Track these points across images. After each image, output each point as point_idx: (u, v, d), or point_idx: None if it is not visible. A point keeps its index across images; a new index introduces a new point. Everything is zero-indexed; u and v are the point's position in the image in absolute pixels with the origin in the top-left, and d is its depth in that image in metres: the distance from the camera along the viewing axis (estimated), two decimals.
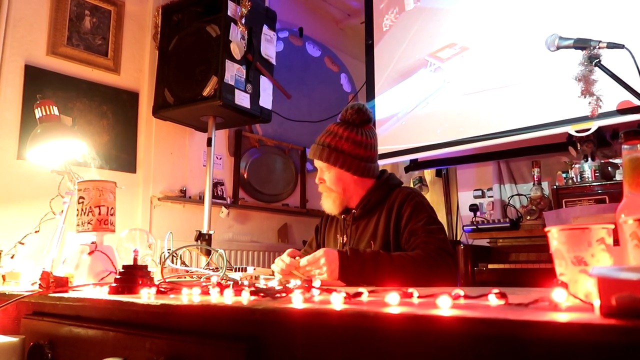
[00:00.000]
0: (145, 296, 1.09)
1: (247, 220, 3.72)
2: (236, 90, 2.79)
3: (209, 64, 2.77)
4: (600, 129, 2.49)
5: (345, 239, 1.80)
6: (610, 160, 2.57)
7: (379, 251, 1.54)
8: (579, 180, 2.62)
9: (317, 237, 1.99)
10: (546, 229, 0.75)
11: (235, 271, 1.64)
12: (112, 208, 1.57)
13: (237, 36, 2.81)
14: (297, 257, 1.57)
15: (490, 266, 2.75)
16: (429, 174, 3.90)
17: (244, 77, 2.85)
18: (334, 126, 1.79)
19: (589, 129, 2.42)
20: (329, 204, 1.79)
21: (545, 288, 0.80)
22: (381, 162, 3.44)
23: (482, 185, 3.50)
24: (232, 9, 2.82)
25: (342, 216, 1.83)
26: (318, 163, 1.79)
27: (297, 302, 0.83)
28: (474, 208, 3.19)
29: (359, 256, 1.49)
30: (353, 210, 1.80)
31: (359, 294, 0.86)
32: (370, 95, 3.50)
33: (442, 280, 1.51)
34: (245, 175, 3.74)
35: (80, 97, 2.87)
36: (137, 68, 3.16)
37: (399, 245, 1.64)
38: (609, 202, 2.43)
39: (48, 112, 1.91)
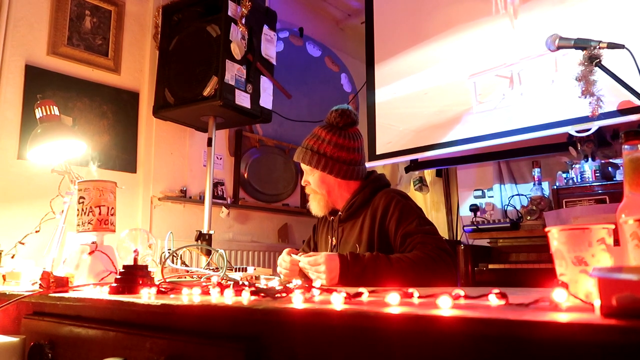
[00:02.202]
0: (146, 296, 1.09)
1: (248, 220, 3.72)
2: (236, 90, 2.79)
3: (209, 64, 2.77)
4: (600, 129, 2.49)
5: (334, 240, 1.82)
6: (611, 160, 2.57)
7: (378, 254, 1.53)
8: (579, 180, 2.62)
9: (314, 236, 2.01)
10: (546, 229, 0.75)
11: (236, 271, 1.64)
12: (112, 208, 1.57)
13: (237, 36, 2.81)
14: (300, 254, 1.59)
15: (490, 266, 2.75)
16: (429, 174, 3.90)
17: (244, 77, 2.85)
18: (318, 129, 1.80)
19: (589, 129, 2.42)
20: (315, 206, 1.83)
21: (546, 288, 0.80)
22: (382, 162, 3.45)
23: (482, 185, 3.50)
24: (232, 9, 2.82)
25: (331, 218, 1.85)
26: (303, 166, 1.81)
27: (297, 302, 0.83)
28: (474, 208, 3.18)
29: (359, 261, 1.49)
30: (339, 213, 1.81)
31: (360, 294, 0.86)
32: (371, 94, 3.49)
33: (443, 280, 1.50)
34: (245, 175, 3.74)
35: (81, 97, 2.87)
36: (137, 68, 3.16)
37: (383, 249, 1.62)
38: (610, 203, 2.43)
39: (48, 112, 1.91)
